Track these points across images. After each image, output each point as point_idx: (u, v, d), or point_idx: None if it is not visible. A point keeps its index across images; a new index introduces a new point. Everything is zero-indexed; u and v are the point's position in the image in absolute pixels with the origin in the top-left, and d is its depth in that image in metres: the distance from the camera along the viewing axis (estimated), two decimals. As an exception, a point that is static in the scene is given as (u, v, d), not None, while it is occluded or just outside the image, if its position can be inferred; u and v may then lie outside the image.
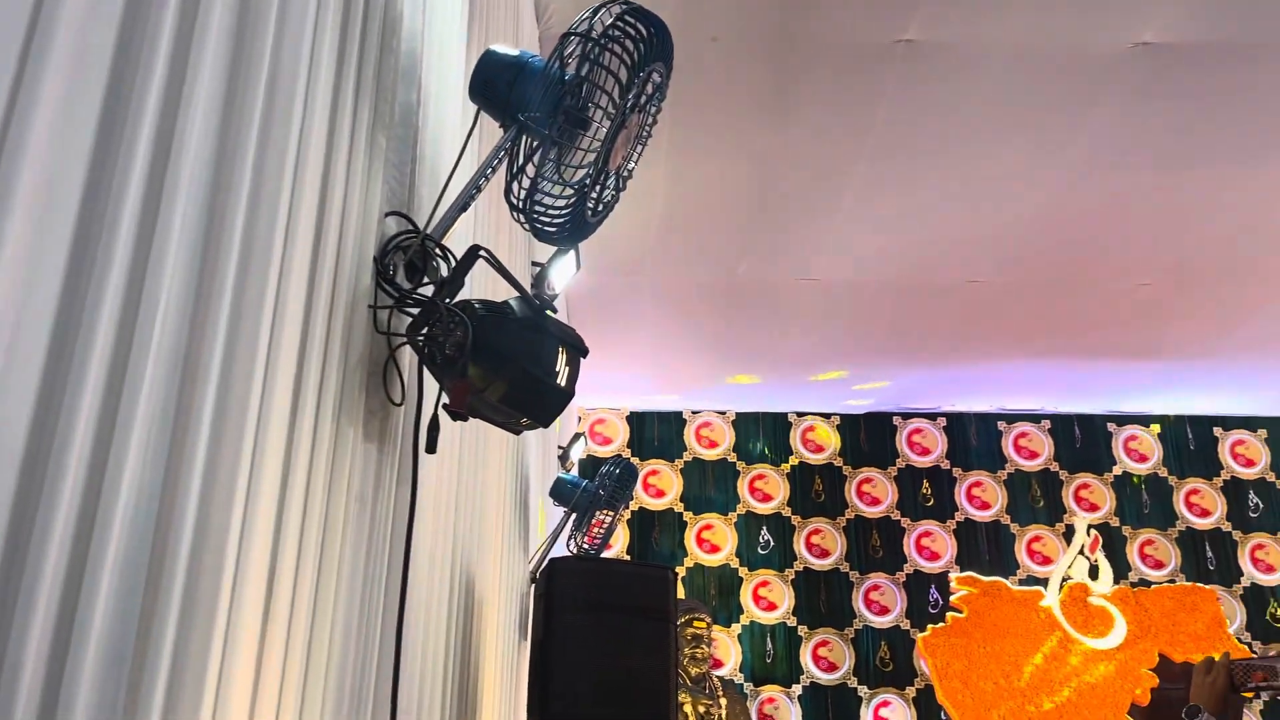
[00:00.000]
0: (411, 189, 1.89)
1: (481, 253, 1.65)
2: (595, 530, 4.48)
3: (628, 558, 9.26)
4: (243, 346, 1.10)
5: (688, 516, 9.50)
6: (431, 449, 1.53)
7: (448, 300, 1.60)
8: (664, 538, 9.42)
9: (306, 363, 1.29)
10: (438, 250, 1.70)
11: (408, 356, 1.68)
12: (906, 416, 9.82)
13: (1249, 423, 9.65)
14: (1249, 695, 2.35)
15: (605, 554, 8.95)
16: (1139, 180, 6.05)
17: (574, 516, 4.51)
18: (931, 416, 9.82)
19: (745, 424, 9.85)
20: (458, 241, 2.05)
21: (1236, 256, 6.81)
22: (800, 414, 9.85)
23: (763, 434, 9.84)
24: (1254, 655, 2.40)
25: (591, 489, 4.47)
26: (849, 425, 9.82)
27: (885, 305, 7.65)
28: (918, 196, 6.29)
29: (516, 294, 1.65)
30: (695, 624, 7.93)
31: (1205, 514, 9.40)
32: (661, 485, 9.61)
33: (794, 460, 9.71)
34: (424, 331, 1.58)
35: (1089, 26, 4.87)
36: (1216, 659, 2.42)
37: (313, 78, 1.33)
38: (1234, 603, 8.99)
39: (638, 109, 2.02)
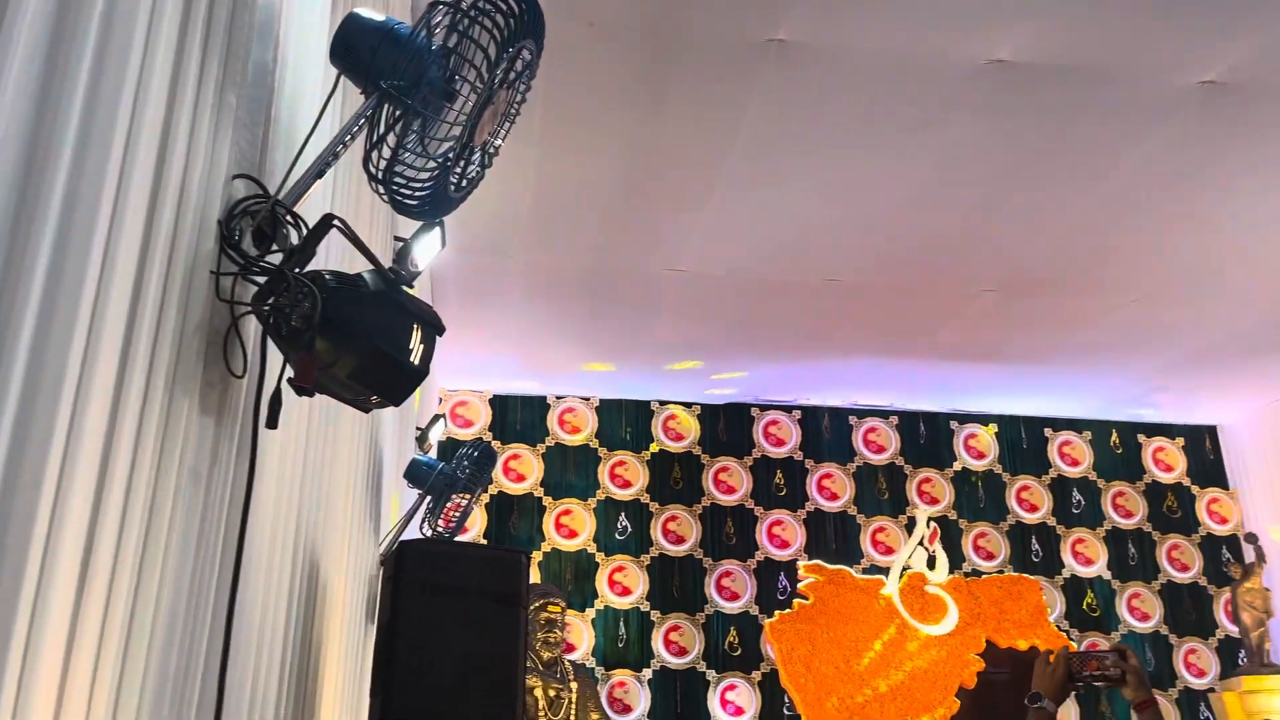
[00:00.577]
0: (264, 152, 1.80)
1: (335, 222, 1.59)
2: (451, 514, 4.41)
3: (484, 541, 9.17)
4: (61, 309, 1.03)
5: (547, 501, 9.49)
6: (272, 424, 1.46)
7: (297, 270, 1.53)
8: (522, 522, 9.38)
9: (136, 328, 1.22)
10: (289, 217, 1.63)
11: (252, 327, 1.61)
12: (764, 408, 10.08)
13: (1075, 425, 10.34)
14: (1081, 685, 2.53)
15: (461, 538, 8.84)
16: (987, 191, 6.38)
17: (429, 499, 4.43)
18: (788, 409, 10.11)
19: (608, 411, 9.90)
20: (313, 210, 1.97)
21: (1071, 268, 7.27)
22: (663, 402, 9.97)
23: (625, 421, 9.91)
24: (1096, 649, 2.60)
25: (448, 471, 4.40)
26: (709, 415, 10.00)
27: (749, 299, 7.82)
28: (784, 195, 6.45)
29: (371, 268, 1.60)
30: (549, 609, 7.93)
31: (1034, 509, 10.02)
32: (522, 470, 9.56)
33: (654, 448, 9.82)
34: (270, 301, 1.51)
35: (950, 41, 5.09)
36: (1055, 651, 2.61)
37: (154, 28, 1.25)
38: (1055, 593, 9.63)
39: (506, 85, 1.98)
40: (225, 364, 1.50)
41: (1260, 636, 8.67)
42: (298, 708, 2.42)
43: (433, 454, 8.62)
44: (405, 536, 4.55)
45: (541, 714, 7.57)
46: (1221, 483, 10.27)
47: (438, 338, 1.60)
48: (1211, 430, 10.45)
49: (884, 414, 10.20)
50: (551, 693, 7.61)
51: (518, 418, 9.73)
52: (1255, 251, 6.97)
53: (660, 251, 7.15)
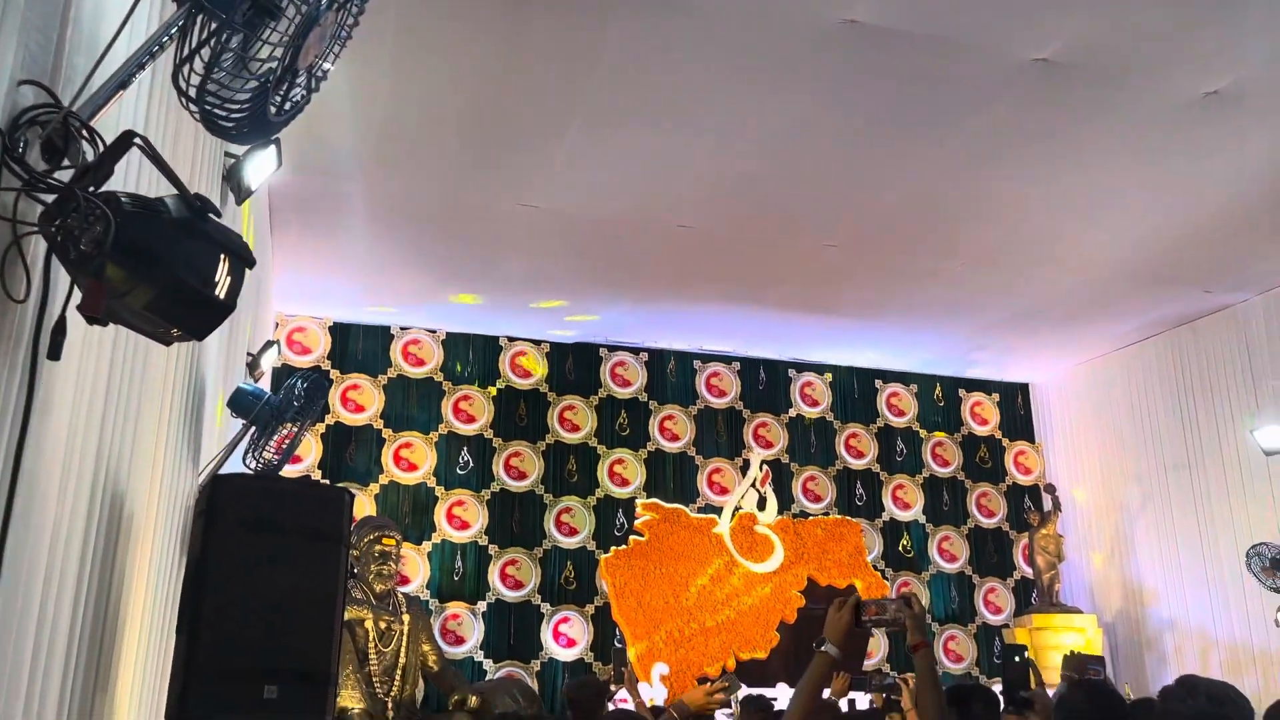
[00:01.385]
0: (59, 58, 1.65)
1: (136, 140, 1.49)
2: (278, 445, 4.27)
3: (319, 473, 8.95)
4: None
5: (387, 434, 9.32)
6: (54, 355, 1.37)
7: (90, 189, 1.43)
8: (359, 454, 9.19)
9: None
10: (84, 131, 1.51)
11: (37, 248, 1.49)
12: (613, 349, 10.16)
13: (904, 378, 10.91)
14: (865, 629, 2.67)
15: (294, 468, 8.58)
16: (834, 148, 6.54)
17: (254, 430, 4.27)
18: (635, 351, 10.23)
19: (455, 345, 9.76)
20: (119, 124, 1.83)
21: (908, 229, 7.59)
22: (512, 339, 9.90)
23: (472, 356, 9.80)
24: (885, 596, 2.74)
25: (275, 403, 4.24)
26: (557, 353, 10.00)
27: (601, 240, 7.81)
28: (637, 139, 6.43)
29: (175, 192, 1.51)
30: (384, 541, 7.82)
31: (860, 456, 10.56)
32: (362, 401, 9.33)
33: (501, 384, 9.77)
34: (58, 222, 1.40)
35: (806, -2, 5.14)
36: (848, 599, 2.75)
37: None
38: (874, 535, 10.23)
39: (335, 6, 1.89)
40: (3, 286, 1.39)
41: (1051, 579, 9.47)
42: (95, 640, 2.32)
43: (265, 381, 8.32)
44: (230, 467, 4.38)
45: (372, 645, 7.51)
46: (1029, 436, 11.09)
47: (247, 269, 1.52)
48: (1024, 388, 11.23)
49: (727, 360, 10.47)
50: (382, 624, 7.56)
51: (359, 347, 9.47)
52: (1073, 225, 7.45)
53: (513, 186, 7.03)
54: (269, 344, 6.51)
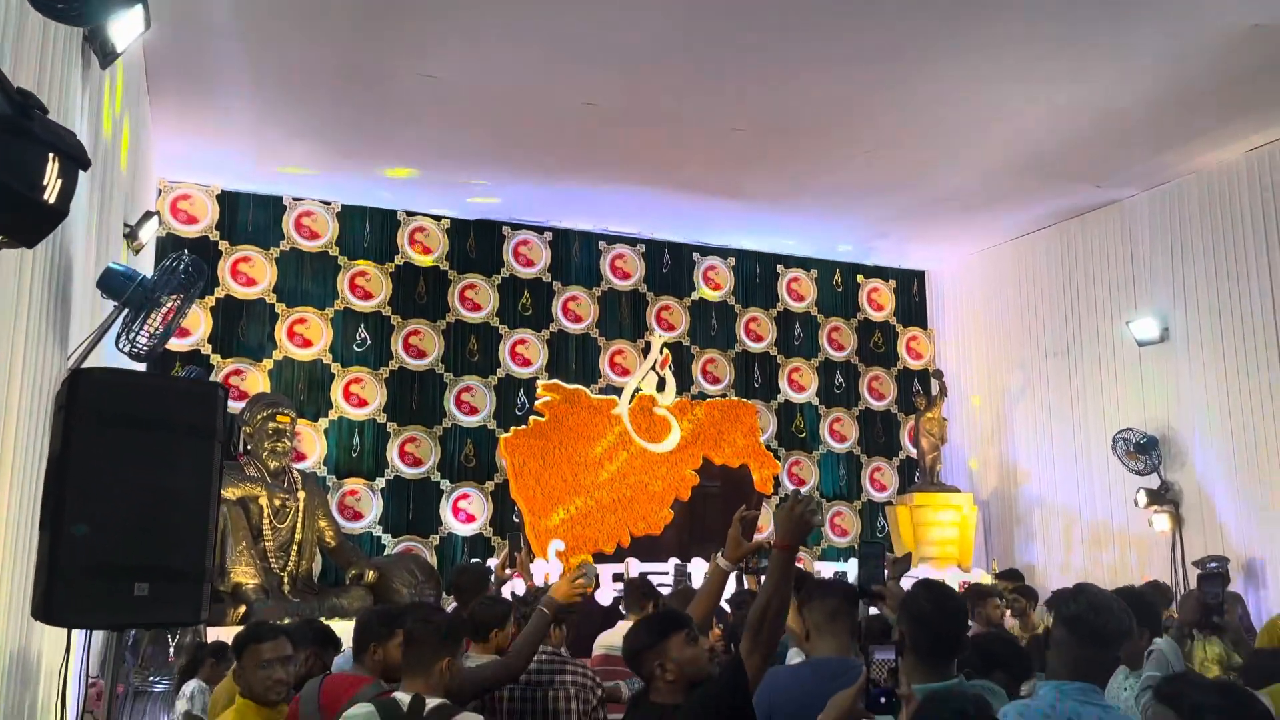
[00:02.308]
0: None
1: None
2: (152, 328, 4.10)
3: (208, 347, 8.69)
4: None
5: (280, 308, 9.05)
6: None
7: (-108, 79, 1.29)
8: (252, 329, 8.93)
9: None
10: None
11: None
12: (515, 227, 9.98)
13: (805, 263, 11.04)
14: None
15: (180, 343, 8.32)
16: (743, 30, 6.38)
17: (126, 313, 4.08)
18: (539, 230, 10.07)
19: (351, 217, 9.44)
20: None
21: (814, 115, 7.54)
22: (410, 213, 9.62)
23: (370, 230, 9.51)
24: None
25: (148, 284, 4.05)
26: (458, 230, 9.78)
27: (504, 115, 7.54)
28: (542, 11, 6.15)
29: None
30: (278, 418, 7.72)
31: (759, 339, 10.75)
32: (253, 274, 9.01)
33: (399, 260, 9.54)
34: None
35: None
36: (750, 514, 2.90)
37: None
38: (769, 416, 10.52)
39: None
40: None
41: (934, 460, 9.94)
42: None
43: (147, 253, 8.00)
44: (103, 353, 4.20)
45: (266, 522, 7.49)
46: (922, 323, 11.43)
47: (81, 171, 1.42)
48: (920, 275, 11.50)
49: (632, 242, 10.40)
50: (277, 501, 7.53)
51: (249, 218, 9.08)
52: (975, 119, 7.51)
53: (413, 56, 6.70)
54: (148, 215, 6.18)
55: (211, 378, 8.62)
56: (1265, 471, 7.85)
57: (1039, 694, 2.22)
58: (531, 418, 8.80)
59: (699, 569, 7.46)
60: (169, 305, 4.08)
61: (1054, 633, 2.25)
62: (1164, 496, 8.42)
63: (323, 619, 7.02)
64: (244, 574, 7.04)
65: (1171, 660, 2.98)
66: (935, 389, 10.36)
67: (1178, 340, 8.60)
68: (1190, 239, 8.54)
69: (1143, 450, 8.49)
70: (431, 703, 2.36)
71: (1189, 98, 7.11)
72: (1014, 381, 10.26)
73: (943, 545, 9.41)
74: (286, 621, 4.98)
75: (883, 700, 1.97)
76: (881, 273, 11.34)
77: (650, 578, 7.64)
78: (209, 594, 2.55)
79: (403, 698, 2.37)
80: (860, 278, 11.24)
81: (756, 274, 10.84)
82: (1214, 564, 7.55)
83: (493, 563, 7.52)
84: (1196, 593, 3.55)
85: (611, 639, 4.65)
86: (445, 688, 2.46)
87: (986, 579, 7.81)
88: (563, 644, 3.64)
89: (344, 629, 5.21)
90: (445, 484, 9.28)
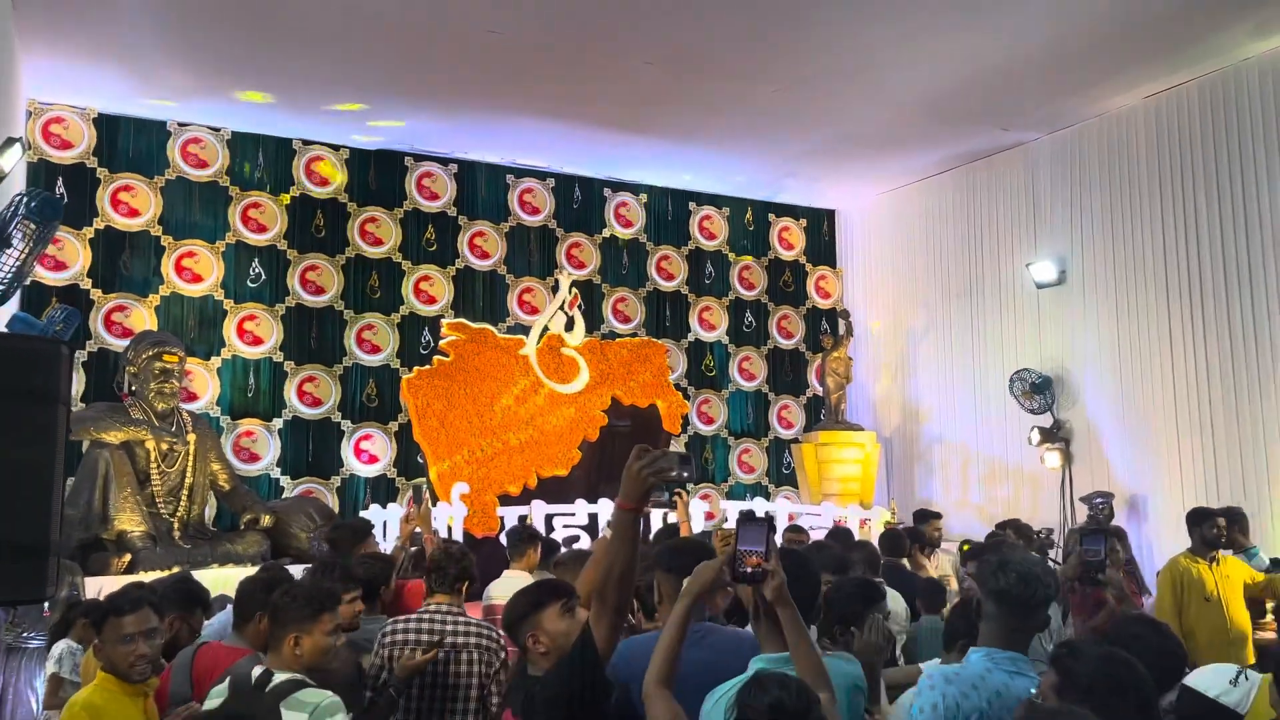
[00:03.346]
0: None
1: None
2: (3, 271, 3.78)
3: (88, 281, 8.21)
4: None
5: (167, 241, 8.58)
6: None
7: None
8: (136, 262, 8.45)
9: None
10: None
11: None
12: (418, 159, 9.60)
13: (716, 200, 10.93)
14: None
15: (56, 277, 7.84)
16: (654, -39, 6.15)
17: (-25, 252, 3.75)
18: (444, 161, 9.72)
19: (243, 145, 8.94)
20: None
21: (726, 51, 7.36)
22: (307, 142, 9.16)
23: (263, 159, 9.03)
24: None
25: (-3, 221, 3.72)
26: (358, 161, 9.36)
27: (404, 41, 7.16)
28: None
29: None
30: (165, 357, 7.36)
31: (670, 278, 10.66)
32: (136, 204, 8.50)
33: (295, 191, 9.10)
34: None
35: None
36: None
37: None
38: (679, 355, 10.50)
39: None
40: None
41: (839, 398, 10.08)
42: None
43: (14, 182, 7.47)
44: (-49, 292, 3.87)
45: (154, 466, 7.18)
46: (831, 262, 11.49)
47: None
48: (830, 214, 11.52)
49: (541, 175, 10.13)
50: (164, 445, 7.21)
51: (130, 144, 8.52)
52: (885, 58, 7.43)
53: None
54: (10, 141, 5.69)
55: (92, 315, 8.17)
56: (1150, 410, 8.15)
57: (970, 660, 2.21)
58: (436, 358, 8.58)
59: (606, 510, 7.44)
60: (17, 252, 3.77)
61: (985, 606, 2.24)
62: (1056, 435, 8.70)
63: (216, 564, 6.85)
64: (129, 521, 6.76)
65: (1055, 621, 3.04)
66: (842, 328, 10.46)
67: (1074, 283, 8.80)
68: (1089, 183, 8.69)
69: (1038, 390, 8.73)
70: (280, 677, 2.24)
71: (1092, 42, 7.15)
72: (918, 321, 10.41)
73: (846, 482, 9.59)
74: (167, 573, 4.77)
75: (748, 571, 1.96)
76: (792, 211, 11.31)
77: (557, 519, 7.65)
78: (56, 569, 2.36)
79: (258, 671, 2.26)
80: (771, 216, 11.20)
81: (668, 211, 10.70)
82: (1099, 499, 7.87)
83: (395, 509, 7.40)
84: (1079, 550, 3.63)
85: (498, 589, 4.58)
86: (301, 662, 2.36)
87: (886, 516, 7.99)
88: (463, 602, 3.53)
89: (239, 574, 5.05)
90: (346, 425, 9.03)
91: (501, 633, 3.37)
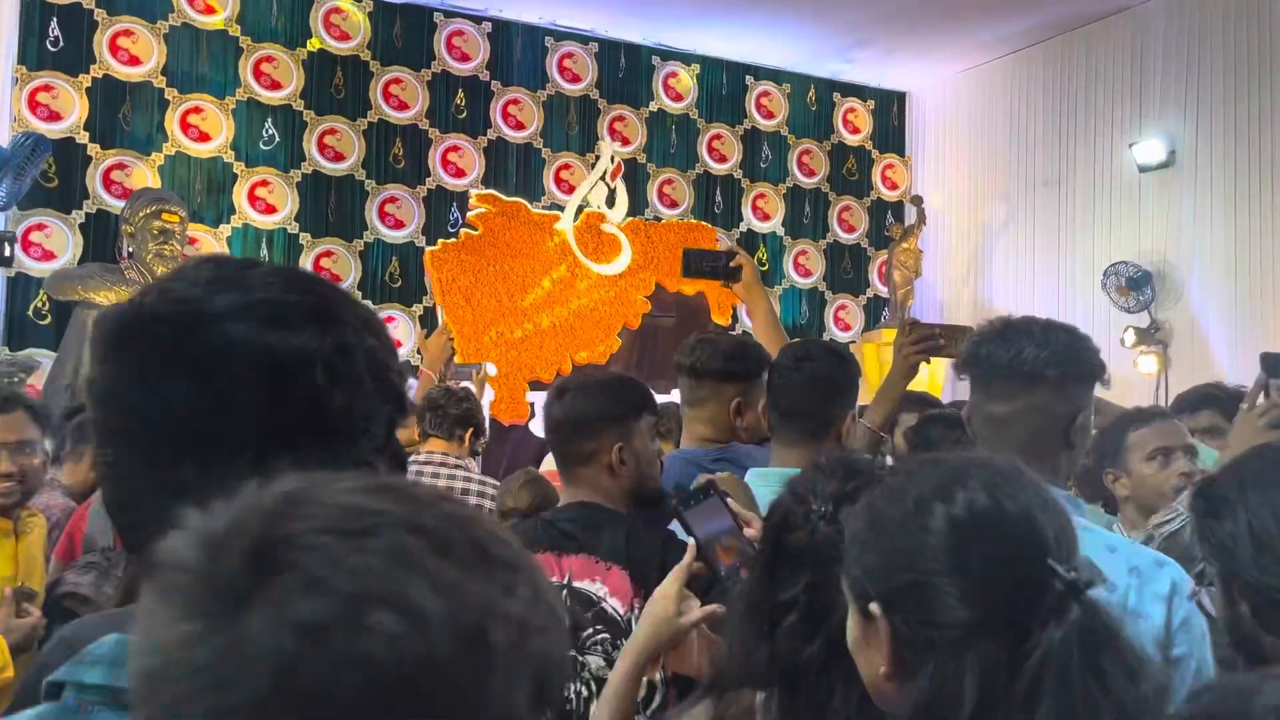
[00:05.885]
0: None
1: None
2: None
3: (84, 135, 7.47)
4: None
5: (171, 94, 7.79)
6: None
7: None
8: (137, 117, 7.68)
9: None
10: None
11: None
12: (450, 14, 8.67)
13: (777, 75, 9.90)
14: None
15: (51, 127, 7.12)
16: None
17: None
18: (477, 20, 8.78)
19: (255, -9, 8.09)
20: None
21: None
22: (326, -9, 8.28)
23: (277, 7, 8.17)
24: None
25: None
26: (383, 14, 8.46)
27: None
28: None
29: None
30: (164, 216, 6.65)
31: (723, 160, 9.71)
32: (137, 51, 7.69)
33: (313, 45, 8.24)
34: None
35: None
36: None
37: None
38: (730, 244, 9.60)
39: None
40: None
41: (905, 295, 9.17)
42: None
43: (6, 18, 6.75)
44: None
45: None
46: (899, 149, 10.45)
47: None
48: (901, 97, 10.45)
49: (583, 39, 9.16)
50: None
51: (130, -16, 7.70)
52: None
53: None
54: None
55: (89, 171, 7.47)
56: (1266, 311, 7.19)
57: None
58: (463, 230, 7.78)
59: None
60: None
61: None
62: (1153, 336, 7.76)
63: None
64: (119, 389, 6.10)
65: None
66: (912, 217, 9.49)
67: (1184, 164, 7.77)
68: (1210, 50, 7.59)
69: (1135, 286, 7.77)
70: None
71: None
72: (996, 215, 9.41)
73: (911, 387, 8.72)
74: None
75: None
76: (860, 92, 10.25)
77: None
78: None
79: None
80: (837, 96, 10.16)
81: (723, 85, 9.71)
82: (1204, 406, 6.96)
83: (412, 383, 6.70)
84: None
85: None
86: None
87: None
88: (467, 455, 2.78)
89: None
90: (367, 305, 8.29)
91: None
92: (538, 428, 6.75)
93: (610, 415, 1.82)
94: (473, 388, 3.36)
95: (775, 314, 2.12)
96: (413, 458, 2.51)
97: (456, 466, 2.51)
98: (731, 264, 2.04)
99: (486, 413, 6.58)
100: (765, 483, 1.61)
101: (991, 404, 1.57)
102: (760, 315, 2.07)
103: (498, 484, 2.58)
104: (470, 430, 2.60)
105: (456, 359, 2.96)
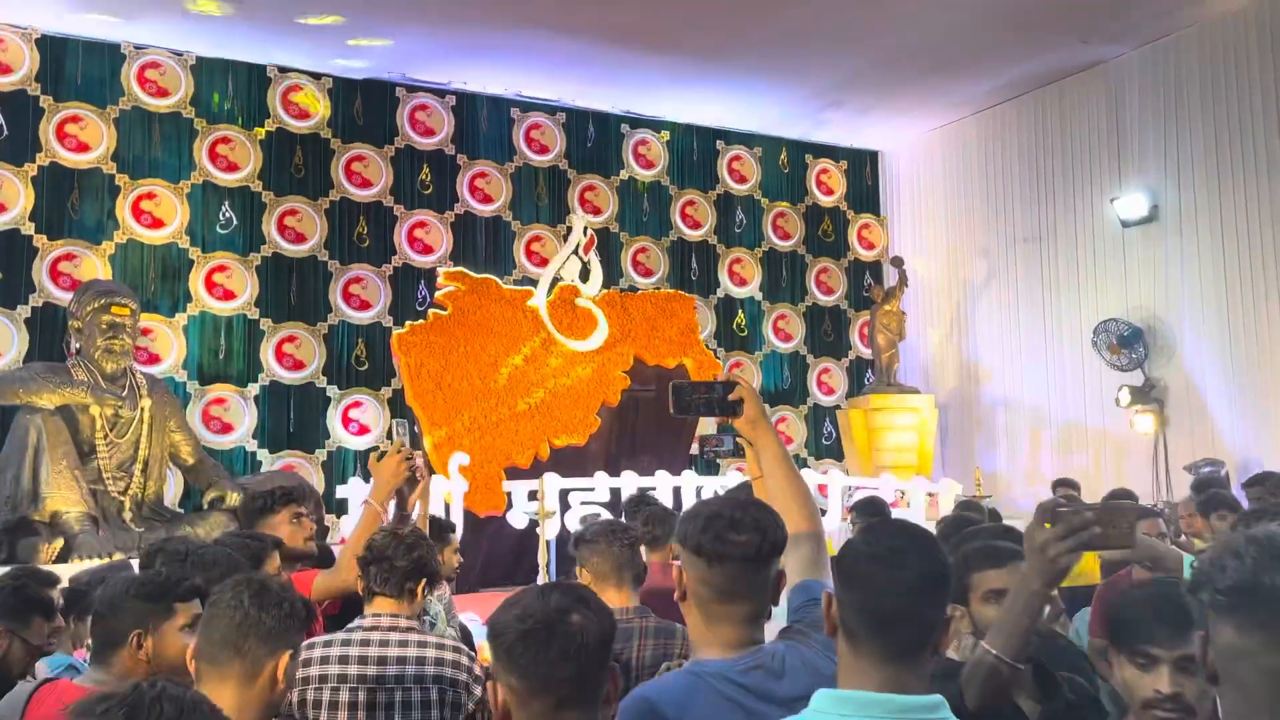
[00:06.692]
0: None
1: None
2: None
3: (29, 226, 7.12)
4: None
5: (122, 180, 7.48)
6: None
7: None
8: (87, 204, 7.35)
9: None
10: None
11: None
12: (411, 89, 8.46)
13: (748, 139, 9.75)
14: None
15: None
16: None
17: None
18: (440, 93, 8.57)
19: (210, 72, 7.82)
20: None
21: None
22: (283, 69, 8.04)
23: (233, 88, 7.91)
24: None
25: None
26: (343, 91, 8.23)
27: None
28: None
29: None
30: (114, 310, 6.26)
31: (697, 226, 9.50)
32: (85, 137, 7.39)
33: (271, 125, 7.98)
34: None
35: None
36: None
37: None
38: (708, 311, 9.35)
39: None
40: None
41: (890, 358, 8.93)
42: None
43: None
44: None
45: (100, 435, 6.11)
46: (875, 209, 10.30)
47: None
48: (873, 156, 10.33)
49: (550, 109, 8.98)
50: (110, 411, 6.12)
51: (78, 69, 7.42)
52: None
53: None
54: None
55: (35, 264, 7.10)
56: (1262, 364, 6.99)
57: None
58: (432, 311, 7.46)
59: (629, 482, 6.33)
60: None
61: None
62: (1149, 394, 7.54)
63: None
64: (64, 500, 5.69)
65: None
66: (893, 279, 9.28)
67: (1168, 218, 7.63)
68: (1187, 101, 7.50)
69: (1127, 343, 7.57)
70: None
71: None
72: (977, 272, 9.24)
73: (901, 452, 8.46)
74: (105, 561, 3.69)
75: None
76: (831, 152, 10.13)
77: (573, 495, 6.55)
78: None
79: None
80: (809, 158, 10.02)
81: (694, 151, 9.54)
82: (1208, 467, 6.71)
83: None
84: None
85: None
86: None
87: (957, 489, 6.84)
88: (414, 611, 2.38)
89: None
90: (333, 390, 7.94)
91: (475, 657, 2.23)
92: (516, 519, 6.38)
93: None
94: (392, 445, 2.85)
95: (789, 457, 1.73)
96: (356, 622, 2.15)
97: (408, 630, 2.14)
98: (730, 396, 1.71)
99: (459, 504, 6.21)
100: (841, 710, 1.18)
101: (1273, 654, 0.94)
102: (770, 459, 1.66)
103: (461, 649, 2.21)
104: (423, 583, 2.23)
105: (423, 483, 2.53)
